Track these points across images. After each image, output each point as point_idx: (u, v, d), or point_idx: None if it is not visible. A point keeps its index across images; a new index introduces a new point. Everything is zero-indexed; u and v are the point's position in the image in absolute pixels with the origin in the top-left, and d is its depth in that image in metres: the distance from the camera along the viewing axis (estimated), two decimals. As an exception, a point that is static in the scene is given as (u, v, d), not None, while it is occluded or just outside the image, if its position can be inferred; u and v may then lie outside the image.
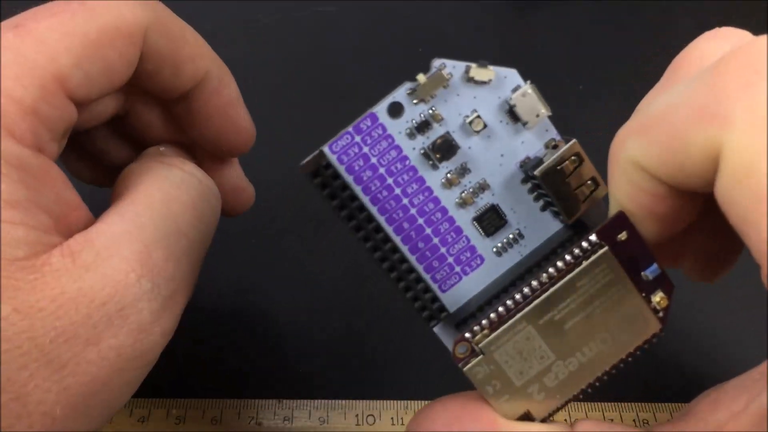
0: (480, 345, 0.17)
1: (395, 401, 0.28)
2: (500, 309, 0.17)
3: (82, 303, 0.17)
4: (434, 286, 0.19)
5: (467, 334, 0.17)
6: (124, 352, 0.17)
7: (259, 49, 0.38)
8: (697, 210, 0.17)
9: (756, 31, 0.18)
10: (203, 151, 0.25)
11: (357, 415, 0.28)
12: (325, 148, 0.18)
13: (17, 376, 0.16)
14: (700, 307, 0.31)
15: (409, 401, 0.28)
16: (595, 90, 0.37)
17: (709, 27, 0.18)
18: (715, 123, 0.15)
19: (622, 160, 0.17)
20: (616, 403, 0.28)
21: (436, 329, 0.19)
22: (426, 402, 0.28)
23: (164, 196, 0.20)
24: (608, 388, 0.19)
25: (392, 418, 0.28)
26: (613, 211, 0.18)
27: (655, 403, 0.29)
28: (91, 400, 0.17)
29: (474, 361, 0.17)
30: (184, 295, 0.19)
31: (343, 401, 0.28)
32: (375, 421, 0.27)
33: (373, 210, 0.18)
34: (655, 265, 0.18)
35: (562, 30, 0.40)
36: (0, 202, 0.16)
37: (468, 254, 0.18)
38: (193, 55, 0.22)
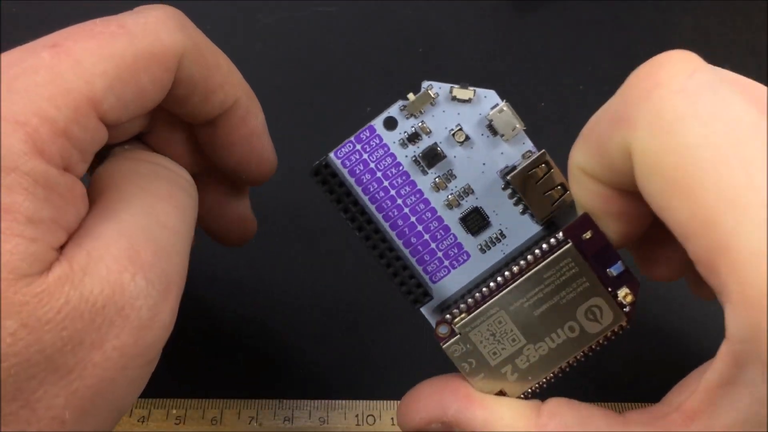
0: (457, 326, 0.20)
1: (395, 401, 0.28)
2: (476, 295, 0.20)
3: (85, 309, 0.17)
4: (426, 278, 0.21)
5: (447, 316, 0.20)
6: (127, 351, 0.18)
7: (259, 49, 0.38)
8: (650, 209, 0.19)
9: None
10: (216, 179, 0.25)
11: (357, 415, 0.28)
12: (331, 155, 0.20)
13: (26, 386, 0.16)
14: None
15: (409, 401, 0.28)
16: (595, 90, 0.37)
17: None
18: (624, 126, 0.17)
19: (572, 167, 0.19)
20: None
21: (423, 311, 0.21)
22: (426, 402, 0.28)
23: (138, 190, 0.20)
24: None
25: (392, 418, 0.28)
26: (579, 213, 0.20)
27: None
28: (98, 401, 0.17)
29: (452, 340, 0.20)
30: (178, 287, 0.19)
31: (343, 401, 0.28)
32: (375, 421, 0.27)
33: (372, 208, 0.20)
34: (619, 263, 0.20)
35: (562, 30, 0.40)
36: None
37: (455, 250, 0.21)
38: (224, 82, 0.22)
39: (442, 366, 0.29)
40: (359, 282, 0.31)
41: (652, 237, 0.20)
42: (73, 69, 0.18)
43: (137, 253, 0.18)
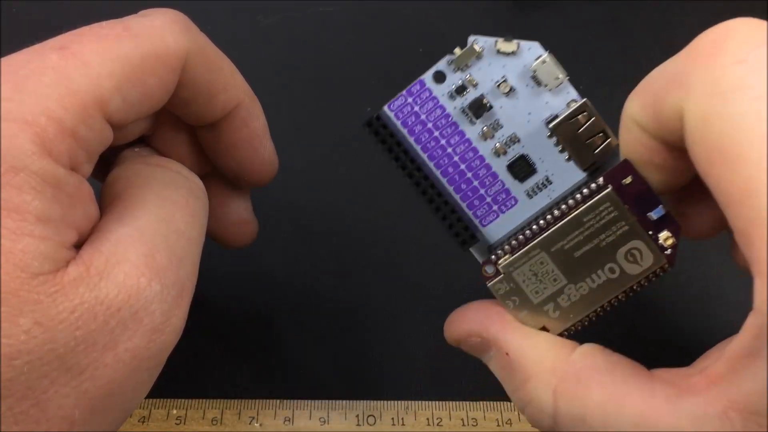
0: (501, 266, 0.21)
1: (395, 401, 0.28)
2: (520, 237, 0.21)
3: (99, 311, 0.17)
4: (476, 221, 0.22)
5: (492, 257, 0.21)
6: (139, 354, 0.18)
7: (259, 49, 0.38)
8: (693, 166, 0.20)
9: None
10: (218, 181, 0.25)
11: (357, 416, 0.28)
12: (385, 108, 0.21)
13: (38, 384, 0.16)
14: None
15: (409, 401, 0.28)
16: (596, 90, 0.37)
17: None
18: (681, 88, 0.17)
19: (625, 116, 0.20)
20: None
21: (473, 251, 0.22)
22: (427, 402, 0.28)
23: (157, 197, 0.20)
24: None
25: (393, 419, 0.28)
26: (621, 159, 0.21)
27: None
28: (108, 402, 0.18)
29: (497, 279, 0.21)
30: (189, 292, 0.20)
31: (344, 401, 0.28)
32: (376, 421, 0.27)
33: (424, 156, 0.22)
34: (660, 207, 0.20)
35: (562, 30, 0.40)
36: (1, 216, 0.16)
37: (504, 195, 0.22)
38: (227, 85, 0.22)
39: (443, 367, 0.29)
40: (359, 282, 0.31)
41: (689, 193, 0.21)
42: (81, 70, 0.18)
43: (154, 259, 0.18)
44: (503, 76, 0.21)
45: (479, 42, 0.21)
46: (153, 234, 0.19)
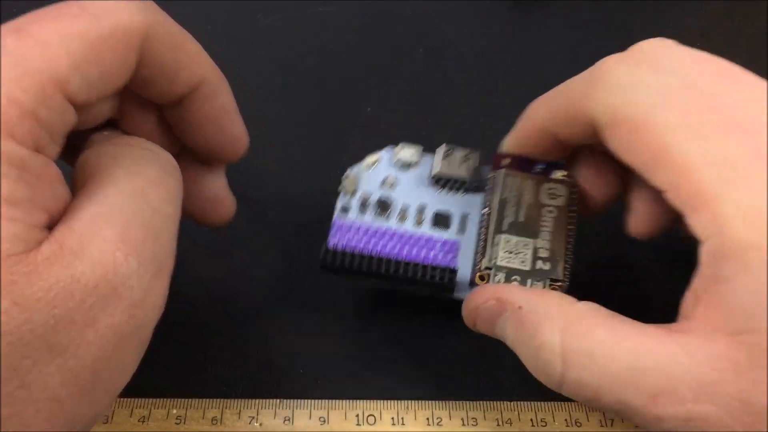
0: (485, 266, 0.26)
1: (395, 401, 0.28)
2: (481, 243, 0.26)
3: (76, 289, 0.17)
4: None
5: (476, 268, 0.26)
6: (120, 330, 0.18)
7: (259, 49, 0.39)
8: (561, 153, 0.27)
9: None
10: (189, 159, 0.25)
11: (357, 415, 0.28)
12: (327, 245, 0.27)
13: (21, 365, 0.16)
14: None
15: (409, 401, 0.28)
16: (595, 90, 0.37)
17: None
18: (589, 100, 0.23)
19: (529, 117, 0.26)
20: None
21: (459, 294, 0.26)
22: (427, 402, 0.28)
23: (127, 173, 0.20)
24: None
25: (393, 418, 0.28)
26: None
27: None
28: (95, 381, 0.18)
29: (492, 274, 0.26)
30: (168, 269, 0.20)
31: (344, 401, 0.28)
32: (376, 421, 0.27)
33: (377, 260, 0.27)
34: (540, 163, 0.27)
35: (562, 30, 0.40)
36: (0, 201, 0.17)
37: (446, 245, 0.27)
38: (190, 62, 0.22)
39: (443, 366, 0.29)
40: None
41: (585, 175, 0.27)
42: (37, 50, 0.18)
43: (129, 235, 0.18)
44: (382, 178, 0.28)
45: (352, 170, 0.28)
46: (126, 210, 0.19)
